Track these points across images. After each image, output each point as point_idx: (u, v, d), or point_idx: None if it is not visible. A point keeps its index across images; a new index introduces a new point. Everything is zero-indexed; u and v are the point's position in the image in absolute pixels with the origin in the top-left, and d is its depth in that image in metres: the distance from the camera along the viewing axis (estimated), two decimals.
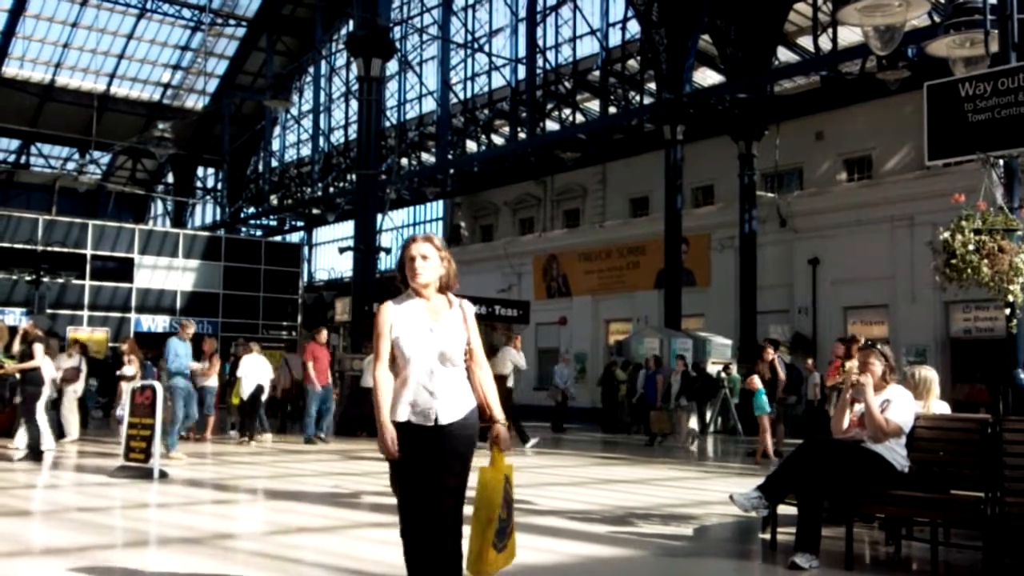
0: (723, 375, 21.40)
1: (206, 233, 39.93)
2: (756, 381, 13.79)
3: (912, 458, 6.09)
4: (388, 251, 22.87)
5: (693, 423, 18.15)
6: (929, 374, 7.00)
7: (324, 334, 16.40)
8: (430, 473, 4.04)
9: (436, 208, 39.49)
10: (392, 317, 4.20)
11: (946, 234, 7.05)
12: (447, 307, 4.26)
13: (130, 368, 15.24)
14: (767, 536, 6.47)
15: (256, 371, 15.77)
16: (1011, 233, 6.90)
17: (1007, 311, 7.23)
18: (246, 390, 15.62)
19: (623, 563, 6.21)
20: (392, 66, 31.15)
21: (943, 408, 7.16)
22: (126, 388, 14.00)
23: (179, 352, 12.99)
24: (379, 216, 23.70)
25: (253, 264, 35.86)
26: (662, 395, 18.20)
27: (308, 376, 15.78)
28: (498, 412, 4.22)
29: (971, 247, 6.88)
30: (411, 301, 4.25)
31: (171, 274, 34.22)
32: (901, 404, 6.11)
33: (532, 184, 33.73)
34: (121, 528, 7.68)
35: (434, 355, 4.12)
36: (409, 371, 4.13)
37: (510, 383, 15.84)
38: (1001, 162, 7.43)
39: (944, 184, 17.57)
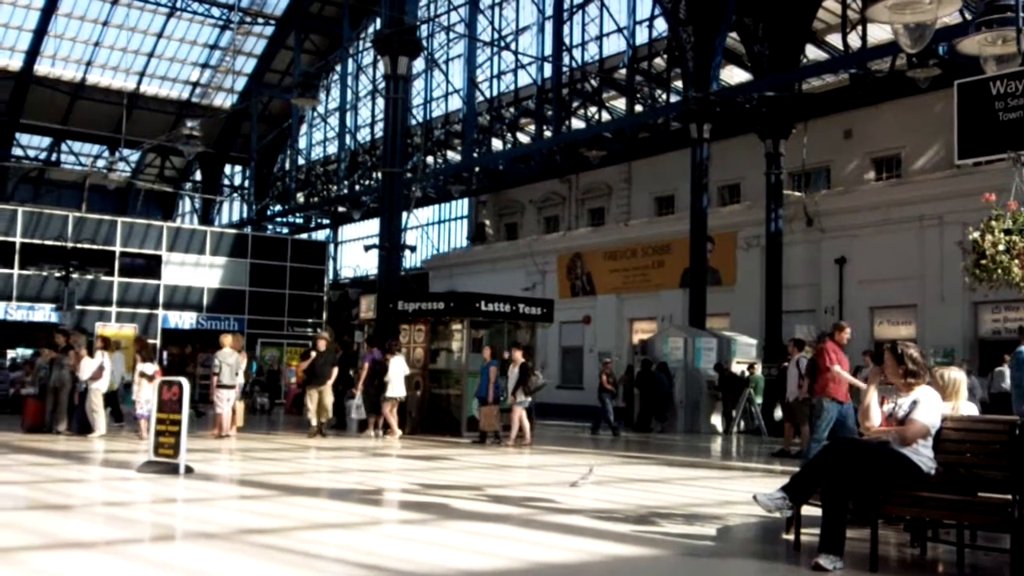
0: (747, 374, 21.25)
1: (233, 231, 40.20)
2: None
3: (939, 460, 6.03)
4: (413, 249, 22.96)
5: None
6: (957, 375, 6.92)
7: (847, 333, 12.47)
8: None
9: (461, 206, 39.59)
10: None
11: (976, 234, 6.97)
12: None
13: (150, 366, 15.23)
14: (791, 537, 6.42)
15: (116, 367, 16.83)
16: None
17: None
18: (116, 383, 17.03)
19: (646, 562, 6.18)
20: (419, 64, 31.22)
21: (971, 409, 7.08)
22: (147, 386, 14.07)
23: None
24: (404, 214, 23.73)
25: (279, 261, 36.08)
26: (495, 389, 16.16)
27: (825, 386, 11.68)
28: None
29: (1001, 247, 6.80)
30: None
31: (198, 271, 34.50)
32: (928, 405, 6.04)
33: (557, 182, 33.73)
34: (147, 522, 7.74)
35: None
36: None
37: None
38: None
39: (974, 183, 17.38)
